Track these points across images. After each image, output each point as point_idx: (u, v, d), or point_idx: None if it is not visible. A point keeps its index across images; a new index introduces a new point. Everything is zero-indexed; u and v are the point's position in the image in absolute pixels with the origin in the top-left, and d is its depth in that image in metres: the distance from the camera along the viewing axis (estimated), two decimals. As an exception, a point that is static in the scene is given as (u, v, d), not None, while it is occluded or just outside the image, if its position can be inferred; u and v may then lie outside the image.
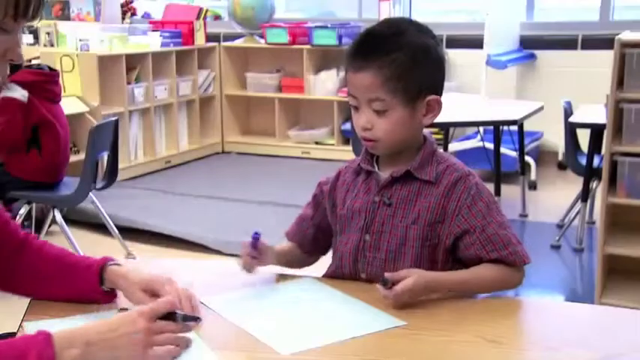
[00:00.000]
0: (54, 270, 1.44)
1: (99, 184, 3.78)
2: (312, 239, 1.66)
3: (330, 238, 1.65)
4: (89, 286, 1.41)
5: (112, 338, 1.12)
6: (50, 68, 3.80)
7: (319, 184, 1.68)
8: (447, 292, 1.46)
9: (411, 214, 1.51)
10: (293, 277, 1.60)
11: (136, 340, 1.13)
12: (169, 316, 1.20)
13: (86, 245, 3.79)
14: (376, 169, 1.58)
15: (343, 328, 1.33)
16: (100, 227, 4.12)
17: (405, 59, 1.46)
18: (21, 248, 1.46)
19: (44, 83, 3.64)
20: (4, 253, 1.44)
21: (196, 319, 1.25)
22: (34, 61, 4.86)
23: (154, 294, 1.36)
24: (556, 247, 4.03)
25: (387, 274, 1.41)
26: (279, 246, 1.66)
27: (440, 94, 1.53)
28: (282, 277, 1.61)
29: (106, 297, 1.42)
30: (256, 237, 1.54)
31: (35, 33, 5.72)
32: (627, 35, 3.04)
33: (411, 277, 1.40)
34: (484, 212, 1.48)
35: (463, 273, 1.49)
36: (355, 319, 1.36)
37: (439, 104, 1.52)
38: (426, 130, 1.58)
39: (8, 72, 1.24)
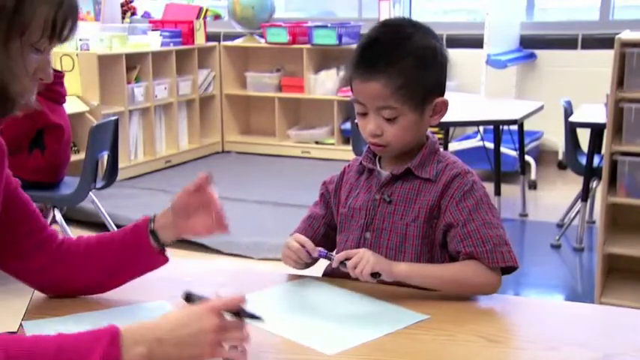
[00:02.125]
0: (108, 263, 1.46)
1: (99, 184, 3.78)
2: (322, 238, 1.65)
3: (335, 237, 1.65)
4: (143, 251, 1.44)
5: (181, 335, 1.09)
6: (55, 70, 3.79)
7: (324, 184, 1.68)
8: (422, 284, 1.46)
9: (411, 211, 1.51)
10: (295, 277, 1.60)
11: (205, 337, 1.09)
12: (235, 312, 1.15)
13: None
14: (378, 167, 1.58)
15: (373, 326, 1.33)
16: (100, 226, 4.12)
17: (413, 66, 1.47)
18: (62, 250, 1.46)
19: (50, 84, 3.62)
20: (46, 255, 1.44)
21: (259, 318, 1.18)
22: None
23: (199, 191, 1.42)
24: (556, 247, 4.03)
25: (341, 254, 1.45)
26: None
27: (444, 93, 1.54)
28: (285, 278, 1.60)
29: (161, 258, 1.46)
30: (325, 256, 1.53)
31: (35, 32, 5.71)
32: (627, 34, 3.04)
33: (359, 252, 1.43)
34: (471, 208, 1.47)
35: (433, 266, 1.49)
36: (382, 317, 1.37)
37: (446, 105, 1.54)
38: (427, 130, 1.59)
39: (35, 90, 1.26)
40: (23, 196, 1.44)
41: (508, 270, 1.49)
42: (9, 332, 1.34)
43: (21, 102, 1.23)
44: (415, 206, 1.51)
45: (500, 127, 4.23)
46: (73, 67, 5.13)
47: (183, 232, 1.46)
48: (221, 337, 1.11)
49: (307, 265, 1.58)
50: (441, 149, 1.58)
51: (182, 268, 1.75)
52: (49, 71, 1.26)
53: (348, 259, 1.44)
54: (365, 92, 1.49)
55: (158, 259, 1.46)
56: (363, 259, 1.42)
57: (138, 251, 1.44)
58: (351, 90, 1.54)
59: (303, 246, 1.51)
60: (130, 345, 1.06)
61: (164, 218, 1.45)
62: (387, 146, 1.51)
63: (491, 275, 1.46)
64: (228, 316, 1.14)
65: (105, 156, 3.82)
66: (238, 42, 6.48)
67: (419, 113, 1.50)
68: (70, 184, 3.69)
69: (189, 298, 1.15)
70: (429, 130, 1.59)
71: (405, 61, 1.46)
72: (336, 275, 1.58)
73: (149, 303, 1.44)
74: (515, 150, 4.80)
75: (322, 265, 1.65)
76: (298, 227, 1.67)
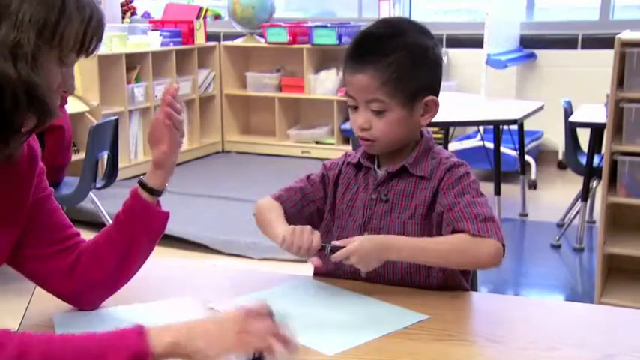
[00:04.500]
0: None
1: (99, 184, 3.78)
2: (308, 217, 1.62)
3: (318, 223, 1.63)
4: (140, 207, 1.42)
5: (207, 325, 1.12)
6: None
7: (324, 167, 1.65)
8: (409, 258, 1.45)
9: (408, 209, 1.52)
10: (295, 277, 1.60)
11: (231, 326, 1.11)
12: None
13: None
14: (375, 165, 1.58)
15: (372, 326, 1.33)
16: (99, 227, 4.08)
17: (403, 61, 1.47)
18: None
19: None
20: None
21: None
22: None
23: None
24: (556, 247, 4.03)
25: (333, 242, 1.41)
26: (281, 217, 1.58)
27: (437, 94, 1.54)
28: (285, 278, 1.60)
29: (158, 211, 1.44)
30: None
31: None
32: (627, 34, 3.04)
33: (357, 240, 1.40)
34: (456, 193, 1.48)
35: (422, 239, 1.47)
36: (382, 317, 1.37)
37: (437, 105, 1.54)
38: (425, 128, 1.59)
39: (59, 102, 1.27)
40: (53, 205, 1.44)
41: None
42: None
43: (55, 113, 1.24)
44: (412, 204, 1.52)
45: (500, 127, 4.22)
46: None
47: (159, 163, 1.44)
48: (247, 325, 1.11)
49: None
50: (436, 146, 1.59)
51: (181, 268, 1.75)
52: (72, 83, 1.27)
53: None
54: (354, 84, 1.50)
55: (156, 215, 1.44)
56: (351, 251, 1.40)
57: (136, 213, 1.42)
58: (345, 84, 1.54)
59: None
60: (158, 336, 1.08)
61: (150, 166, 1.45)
62: (375, 141, 1.52)
63: (480, 243, 1.43)
64: None
65: (105, 156, 3.82)
66: (238, 42, 6.48)
67: (408, 110, 1.50)
68: (70, 184, 3.69)
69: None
70: (426, 128, 1.60)
71: (395, 55, 1.47)
72: (332, 275, 1.58)
73: (172, 299, 1.45)
74: (515, 150, 4.80)
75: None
76: (286, 197, 1.62)
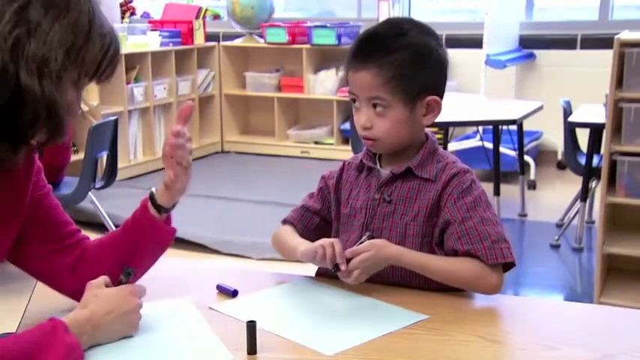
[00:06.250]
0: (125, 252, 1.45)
1: (98, 184, 3.78)
2: (315, 230, 1.65)
3: (330, 232, 1.65)
4: (146, 222, 1.44)
5: (112, 319, 1.27)
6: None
7: (323, 178, 1.68)
8: (416, 271, 1.48)
9: (411, 211, 1.52)
10: (294, 277, 1.60)
11: (132, 317, 1.30)
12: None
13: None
14: (378, 165, 1.58)
15: (372, 326, 1.33)
16: (99, 227, 4.12)
17: (406, 59, 1.47)
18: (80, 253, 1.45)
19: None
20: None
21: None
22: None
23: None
24: (555, 247, 4.03)
25: (347, 251, 1.44)
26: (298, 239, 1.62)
27: (441, 95, 1.54)
28: (284, 278, 1.60)
29: (165, 228, 1.46)
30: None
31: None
32: (626, 35, 3.04)
33: (368, 253, 1.43)
34: (469, 206, 1.48)
35: (434, 259, 1.48)
36: (382, 317, 1.37)
37: (439, 105, 1.53)
38: (428, 130, 1.59)
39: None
40: (52, 202, 1.45)
41: (506, 267, 1.49)
42: (8, 333, 1.34)
43: (66, 133, 1.29)
44: (415, 205, 1.52)
45: (500, 127, 4.23)
46: (72, 67, 5.12)
47: (168, 185, 1.44)
48: (139, 313, 1.31)
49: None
50: (440, 148, 1.59)
51: (181, 268, 1.75)
52: (79, 109, 1.32)
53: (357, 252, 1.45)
54: (357, 82, 1.50)
55: (163, 231, 1.45)
56: (361, 262, 1.43)
57: (142, 225, 1.43)
58: (347, 83, 1.55)
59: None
60: (77, 334, 1.21)
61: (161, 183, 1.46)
62: (377, 141, 1.52)
63: (491, 273, 1.46)
64: None
65: (104, 156, 3.82)
66: (238, 42, 6.48)
67: (410, 109, 1.50)
68: (69, 184, 3.69)
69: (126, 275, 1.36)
70: (429, 129, 1.60)
71: (398, 54, 1.47)
72: (331, 275, 1.58)
73: (172, 299, 1.45)
74: (515, 150, 4.80)
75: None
76: (291, 216, 1.68)
